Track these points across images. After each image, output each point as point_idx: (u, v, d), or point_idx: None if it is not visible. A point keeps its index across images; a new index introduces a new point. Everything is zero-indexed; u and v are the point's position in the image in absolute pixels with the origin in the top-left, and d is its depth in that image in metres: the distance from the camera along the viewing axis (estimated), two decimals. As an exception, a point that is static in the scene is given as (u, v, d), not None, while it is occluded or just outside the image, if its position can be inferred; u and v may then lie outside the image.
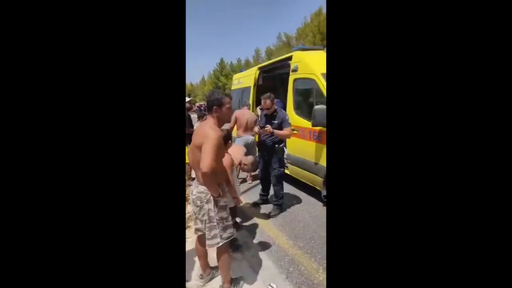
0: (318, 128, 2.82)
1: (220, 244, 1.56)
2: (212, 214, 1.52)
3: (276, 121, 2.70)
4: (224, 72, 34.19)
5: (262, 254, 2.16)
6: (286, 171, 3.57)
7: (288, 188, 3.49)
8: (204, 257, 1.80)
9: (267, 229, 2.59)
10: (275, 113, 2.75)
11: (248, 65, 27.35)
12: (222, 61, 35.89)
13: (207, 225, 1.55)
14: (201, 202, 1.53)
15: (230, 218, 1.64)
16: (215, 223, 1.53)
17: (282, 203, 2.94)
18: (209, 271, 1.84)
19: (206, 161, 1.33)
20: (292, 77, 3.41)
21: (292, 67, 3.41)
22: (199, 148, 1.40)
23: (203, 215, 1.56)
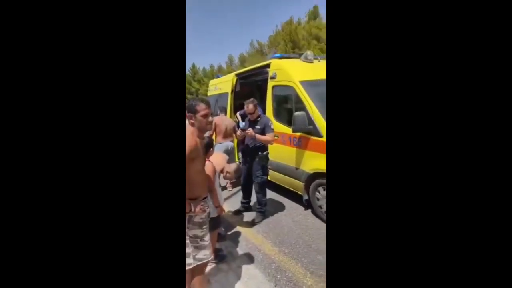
0: (298, 134, 2.89)
1: (192, 265, 1.40)
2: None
3: (258, 126, 2.71)
4: (196, 78, 33.60)
5: (249, 263, 2.12)
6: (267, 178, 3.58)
7: (270, 194, 3.50)
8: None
9: (251, 237, 2.55)
10: (259, 119, 2.76)
11: (221, 71, 27.25)
12: (194, 66, 35.28)
13: None
14: None
15: (207, 238, 1.49)
16: (187, 241, 1.40)
17: (265, 210, 2.93)
18: None
19: None
20: (270, 84, 3.46)
21: (270, 74, 3.47)
22: None
23: None
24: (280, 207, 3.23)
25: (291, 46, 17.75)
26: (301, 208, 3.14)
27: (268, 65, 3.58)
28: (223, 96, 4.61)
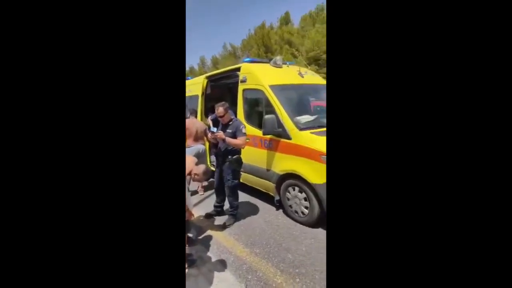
0: (268, 136, 2.96)
1: None
2: None
3: (230, 130, 2.72)
4: (168, 79, 32.48)
5: (219, 266, 2.11)
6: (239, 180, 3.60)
7: (243, 196, 3.52)
8: None
9: (223, 240, 2.55)
10: (230, 122, 2.77)
11: (192, 72, 26.69)
12: (165, 67, 34.08)
13: None
14: None
15: None
16: None
17: (237, 213, 2.94)
18: None
19: None
20: (241, 87, 3.50)
21: (241, 77, 3.51)
22: None
23: None
24: (253, 209, 3.27)
25: (264, 50, 18.05)
26: (273, 208, 3.20)
27: (238, 69, 3.62)
28: (193, 98, 4.54)
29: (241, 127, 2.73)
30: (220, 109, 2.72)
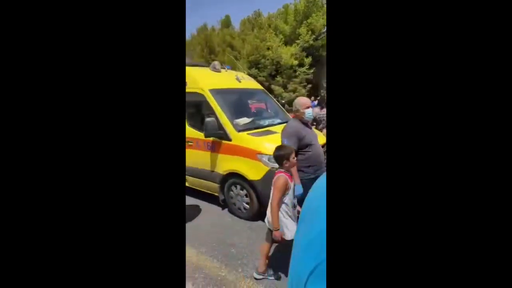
0: (211, 138, 3.06)
1: None
2: None
3: None
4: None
5: (165, 271, 2.13)
6: (186, 184, 3.59)
7: (188, 200, 3.52)
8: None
9: (168, 245, 2.54)
10: None
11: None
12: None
13: None
14: None
15: None
16: None
17: None
18: None
19: None
20: (181, 91, 3.50)
21: (180, 81, 3.51)
22: None
23: None
24: (199, 212, 3.32)
25: (208, 51, 17.89)
26: (219, 209, 3.32)
27: (177, 72, 3.61)
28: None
29: None
30: None
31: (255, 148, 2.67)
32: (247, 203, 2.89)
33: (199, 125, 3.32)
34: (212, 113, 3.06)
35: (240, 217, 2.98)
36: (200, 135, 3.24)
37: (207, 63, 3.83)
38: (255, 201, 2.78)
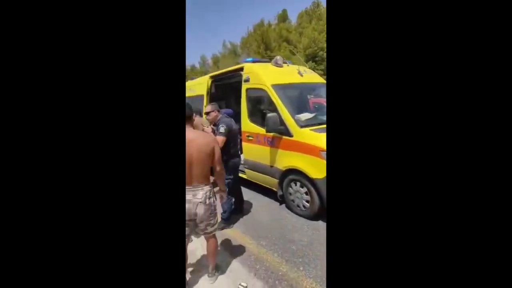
0: (271, 134, 3.08)
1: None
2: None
3: (216, 129, 2.77)
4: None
5: (229, 258, 2.25)
6: (243, 176, 3.73)
7: (246, 192, 3.65)
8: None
9: (230, 233, 2.68)
10: (217, 121, 2.79)
11: (193, 71, 26.73)
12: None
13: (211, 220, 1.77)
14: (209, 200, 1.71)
15: None
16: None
17: (228, 218, 2.80)
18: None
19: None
20: (244, 86, 3.61)
21: (244, 77, 3.62)
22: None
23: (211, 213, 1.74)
24: (257, 205, 3.40)
25: (264, 47, 18.08)
26: (276, 204, 3.34)
27: (241, 69, 3.73)
28: (198, 98, 4.65)
29: (220, 126, 2.68)
30: (207, 107, 2.84)
31: (319, 144, 2.56)
32: (307, 201, 2.82)
33: (260, 120, 3.37)
34: (274, 108, 3.07)
35: (299, 215, 2.93)
36: (260, 130, 3.29)
37: (268, 59, 3.84)
38: (316, 200, 2.69)
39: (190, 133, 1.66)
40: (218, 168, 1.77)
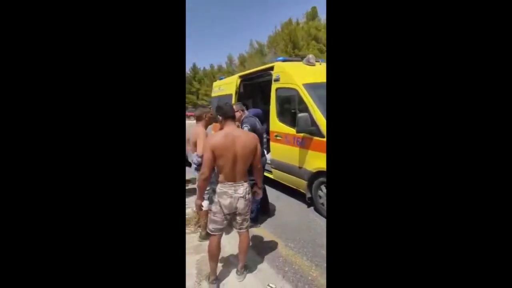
0: (301, 134, 3.01)
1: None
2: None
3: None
4: (197, 78, 33.70)
5: (256, 257, 2.24)
6: (270, 175, 3.71)
7: (273, 193, 3.62)
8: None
9: (257, 232, 2.68)
10: (242, 120, 2.78)
11: (221, 71, 27.32)
12: (194, 66, 35.39)
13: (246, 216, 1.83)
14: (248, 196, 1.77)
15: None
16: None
17: (256, 217, 2.77)
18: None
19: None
20: (274, 86, 3.58)
21: (274, 76, 3.59)
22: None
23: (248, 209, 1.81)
24: (284, 205, 3.36)
25: (291, 46, 17.87)
26: (304, 206, 3.26)
27: (272, 68, 3.70)
28: (226, 97, 4.73)
29: (244, 126, 2.66)
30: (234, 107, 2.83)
31: (354, 147, 2.44)
32: (338, 205, 2.71)
33: (289, 120, 3.32)
34: (305, 108, 2.99)
35: (329, 219, 2.83)
36: (289, 130, 3.24)
37: (300, 58, 3.76)
38: (348, 204, 2.57)
39: (235, 131, 1.70)
40: (259, 166, 1.82)
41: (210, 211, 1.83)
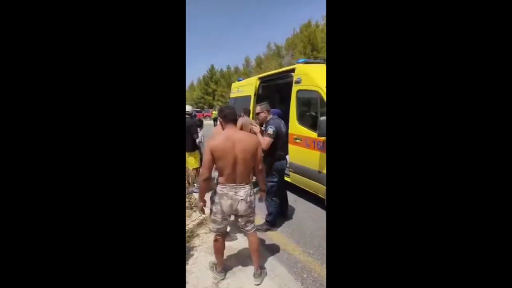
0: (323, 138, 2.94)
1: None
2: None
3: (264, 129, 2.73)
4: (214, 79, 34.27)
5: (274, 261, 2.20)
6: (287, 179, 3.65)
7: (291, 197, 3.56)
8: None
9: (274, 236, 2.64)
10: (267, 122, 2.74)
11: (237, 72, 27.59)
12: (212, 67, 36.03)
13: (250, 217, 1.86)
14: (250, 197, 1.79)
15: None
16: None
17: (272, 220, 2.73)
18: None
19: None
20: (295, 88, 3.54)
21: (295, 78, 3.55)
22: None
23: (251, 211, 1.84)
24: (302, 210, 3.29)
25: (310, 48, 17.70)
26: (323, 212, 3.18)
27: (293, 70, 3.66)
28: (245, 98, 4.74)
29: (269, 127, 2.60)
30: (257, 108, 2.82)
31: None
32: (359, 213, 2.62)
33: (310, 123, 3.26)
34: (325, 111, 2.92)
35: (349, 226, 2.74)
36: (309, 133, 3.18)
37: (322, 60, 3.69)
38: (371, 212, 2.47)
39: (236, 134, 1.74)
40: (260, 167, 1.84)
41: (211, 210, 1.85)
